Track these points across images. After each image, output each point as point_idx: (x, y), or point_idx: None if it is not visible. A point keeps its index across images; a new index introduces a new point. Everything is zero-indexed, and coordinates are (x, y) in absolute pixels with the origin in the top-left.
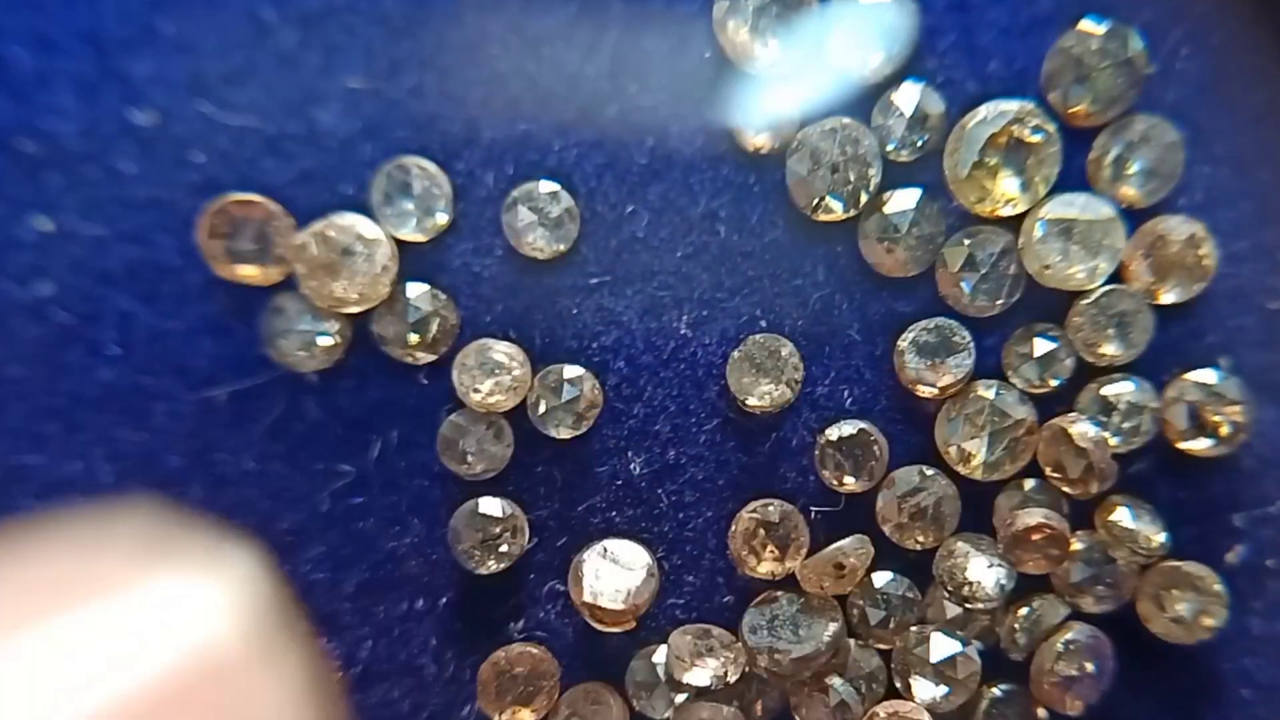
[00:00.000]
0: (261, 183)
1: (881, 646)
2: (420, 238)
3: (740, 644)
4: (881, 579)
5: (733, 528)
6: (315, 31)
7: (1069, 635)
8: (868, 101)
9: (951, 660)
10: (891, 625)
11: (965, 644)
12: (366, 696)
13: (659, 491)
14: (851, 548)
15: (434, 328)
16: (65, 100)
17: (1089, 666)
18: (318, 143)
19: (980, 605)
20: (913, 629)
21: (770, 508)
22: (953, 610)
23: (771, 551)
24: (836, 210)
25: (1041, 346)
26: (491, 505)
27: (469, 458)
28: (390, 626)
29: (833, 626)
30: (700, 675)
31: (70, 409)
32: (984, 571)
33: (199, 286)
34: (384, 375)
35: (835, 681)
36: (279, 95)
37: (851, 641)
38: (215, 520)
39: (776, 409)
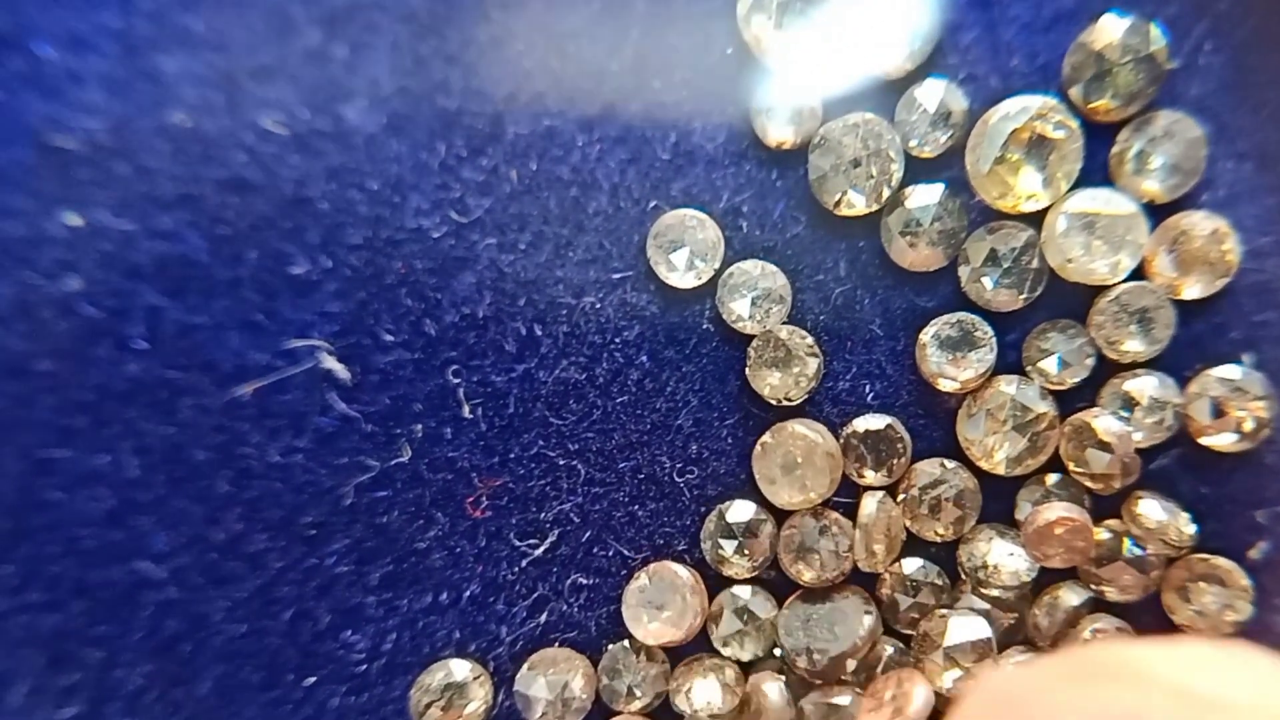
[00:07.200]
0: (288, 179)
1: (909, 633)
2: None
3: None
4: (911, 565)
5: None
6: (342, 29)
7: (1097, 624)
8: (891, 97)
9: (968, 645)
10: (919, 614)
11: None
12: (390, 689)
13: (681, 484)
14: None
15: None
16: (96, 97)
17: None
18: (345, 139)
19: (997, 591)
20: (937, 612)
21: (807, 518)
22: (981, 605)
23: (817, 559)
24: (859, 205)
25: (1063, 342)
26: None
27: None
28: (414, 619)
29: (867, 620)
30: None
31: (98, 403)
32: (1004, 558)
33: (226, 282)
34: (409, 371)
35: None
36: (306, 92)
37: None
38: (240, 513)
39: (793, 402)
